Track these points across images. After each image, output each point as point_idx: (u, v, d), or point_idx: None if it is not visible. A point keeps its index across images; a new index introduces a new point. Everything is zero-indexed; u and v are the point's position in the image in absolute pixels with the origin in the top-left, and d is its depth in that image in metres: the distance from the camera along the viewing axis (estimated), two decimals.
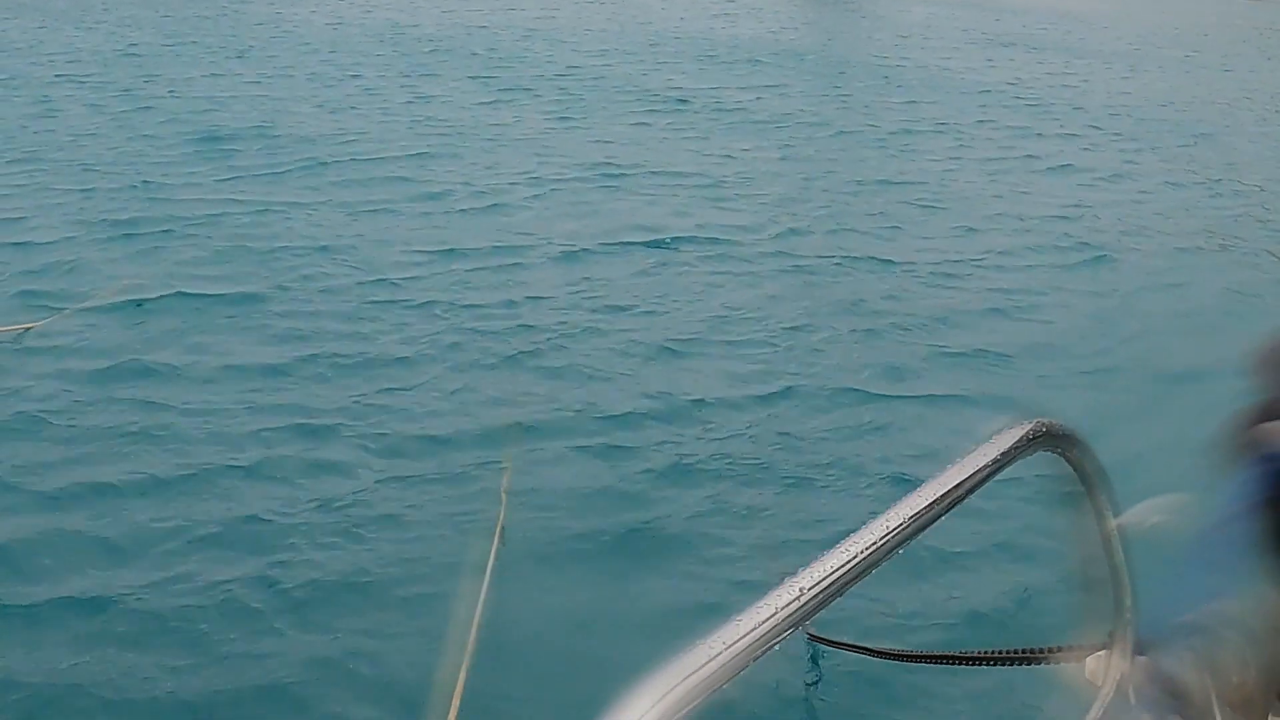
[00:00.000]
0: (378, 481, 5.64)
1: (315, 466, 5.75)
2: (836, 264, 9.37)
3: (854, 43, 22.17)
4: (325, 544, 5.11)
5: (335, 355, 7.05)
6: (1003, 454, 1.06)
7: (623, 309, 8.05)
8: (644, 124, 14.06)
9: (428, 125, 13.21)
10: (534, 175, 11.38)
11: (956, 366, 7.39)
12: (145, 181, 10.51)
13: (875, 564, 0.90)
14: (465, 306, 7.94)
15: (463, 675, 3.97)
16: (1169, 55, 22.40)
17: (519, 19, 21.63)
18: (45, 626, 4.52)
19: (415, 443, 6.04)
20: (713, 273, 8.94)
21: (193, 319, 7.52)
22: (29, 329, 7.17)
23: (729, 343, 7.55)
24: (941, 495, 0.97)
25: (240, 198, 10.14)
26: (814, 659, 4.43)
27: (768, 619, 0.81)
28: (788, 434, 6.32)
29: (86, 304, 7.56)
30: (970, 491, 1.01)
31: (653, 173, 11.69)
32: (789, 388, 6.91)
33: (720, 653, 0.78)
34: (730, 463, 5.96)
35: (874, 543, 0.90)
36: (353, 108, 13.90)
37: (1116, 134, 15.14)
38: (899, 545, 0.92)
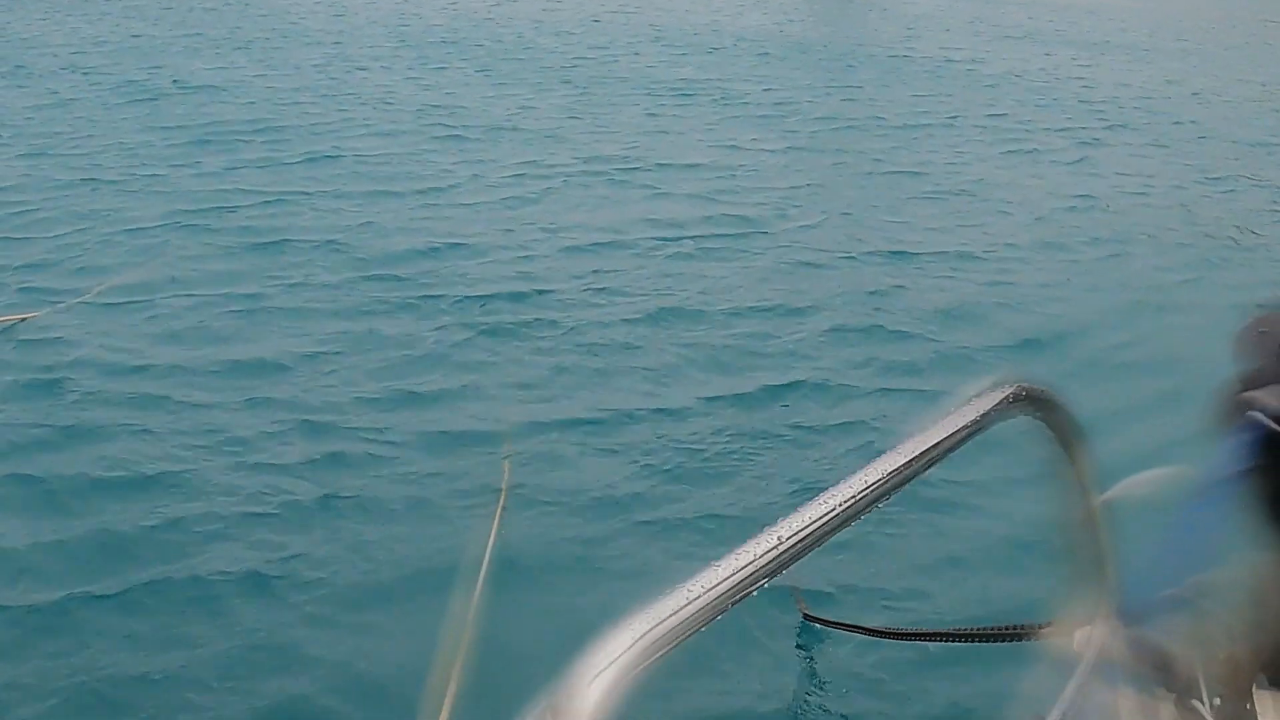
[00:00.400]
0: (377, 475, 5.64)
1: (317, 459, 5.74)
2: (844, 255, 9.35)
3: (861, 34, 22.11)
4: (325, 538, 5.12)
5: (338, 347, 7.05)
6: (981, 415, 1.06)
7: (628, 299, 8.04)
8: (652, 114, 14.05)
9: (434, 117, 13.21)
10: (541, 167, 11.37)
11: (966, 359, 7.35)
12: (149, 173, 10.53)
13: (853, 517, 0.91)
14: (470, 298, 7.93)
15: (458, 668, 3.96)
16: (1176, 46, 22.31)
17: (526, 10, 21.62)
18: (34, 624, 4.49)
19: (417, 435, 6.03)
20: (718, 263, 8.93)
21: (195, 310, 7.53)
22: (25, 320, 7.18)
23: (735, 333, 7.54)
24: (919, 454, 0.98)
25: (244, 189, 10.15)
26: (808, 639, 4.47)
27: (747, 565, 0.83)
28: (796, 425, 6.30)
29: (84, 298, 7.57)
30: (948, 452, 1.01)
31: (659, 164, 11.68)
32: (795, 379, 6.89)
33: (699, 596, 0.79)
34: (732, 456, 5.94)
35: (852, 497, 0.91)
36: (358, 100, 13.90)
37: (1124, 125, 15.08)
38: (876, 500, 0.93)
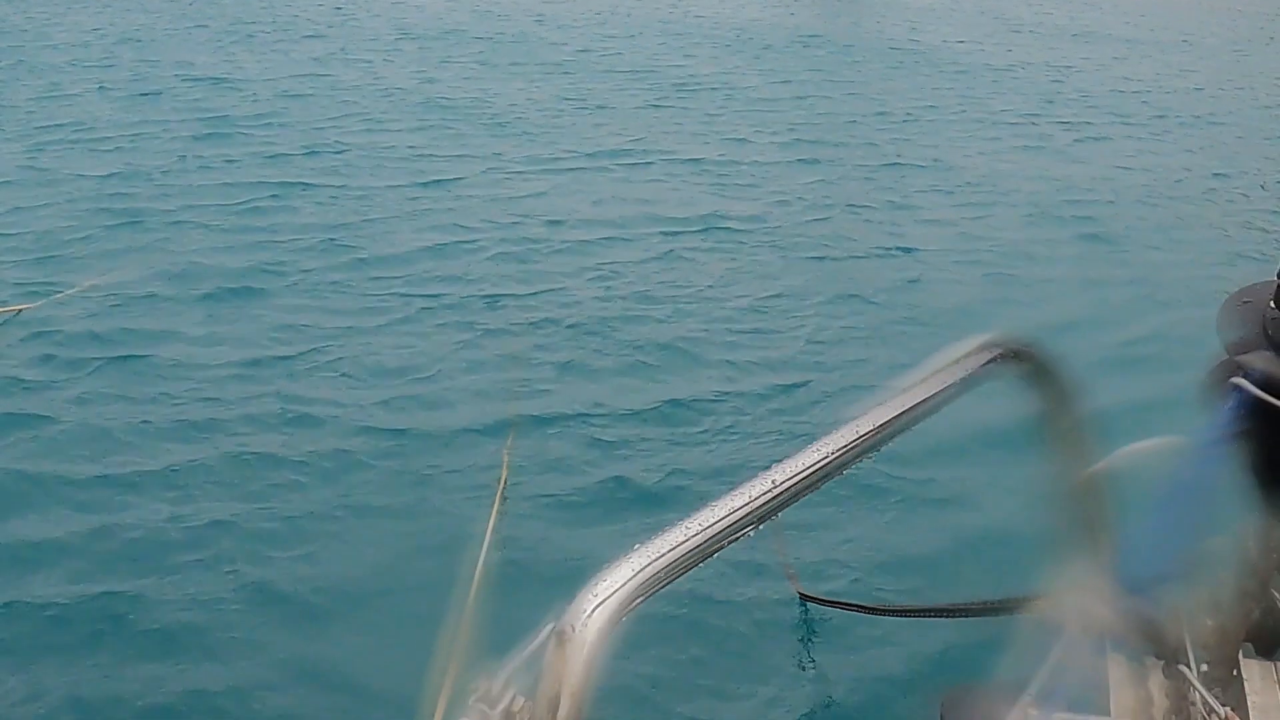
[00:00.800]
0: (376, 465, 5.66)
1: (316, 450, 5.76)
2: (847, 247, 9.34)
3: (865, 26, 22.06)
4: (325, 531, 5.13)
5: (336, 338, 7.06)
6: (970, 373, 1.07)
7: (628, 292, 8.04)
8: (655, 107, 14.03)
9: (436, 110, 13.20)
10: (542, 160, 11.36)
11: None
12: (149, 166, 10.52)
13: (843, 466, 0.94)
14: (471, 290, 7.94)
15: (458, 657, 3.97)
16: (1178, 38, 22.25)
17: (527, 4, 21.58)
18: (23, 621, 4.50)
19: (415, 426, 6.05)
20: (721, 255, 8.92)
21: (194, 303, 7.53)
22: (20, 311, 7.18)
23: (735, 328, 7.54)
24: (909, 408, 1.00)
25: (244, 181, 10.15)
26: (805, 616, 4.51)
27: (742, 506, 0.85)
28: (799, 420, 6.31)
29: (81, 290, 7.58)
30: (938, 406, 1.03)
31: (663, 157, 11.67)
32: (795, 371, 6.91)
33: (696, 533, 0.82)
34: (733, 451, 5.96)
35: (842, 447, 0.94)
36: (360, 92, 13.88)
37: (1126, 117, 15.04)
38: (867, 450, 0.96)
